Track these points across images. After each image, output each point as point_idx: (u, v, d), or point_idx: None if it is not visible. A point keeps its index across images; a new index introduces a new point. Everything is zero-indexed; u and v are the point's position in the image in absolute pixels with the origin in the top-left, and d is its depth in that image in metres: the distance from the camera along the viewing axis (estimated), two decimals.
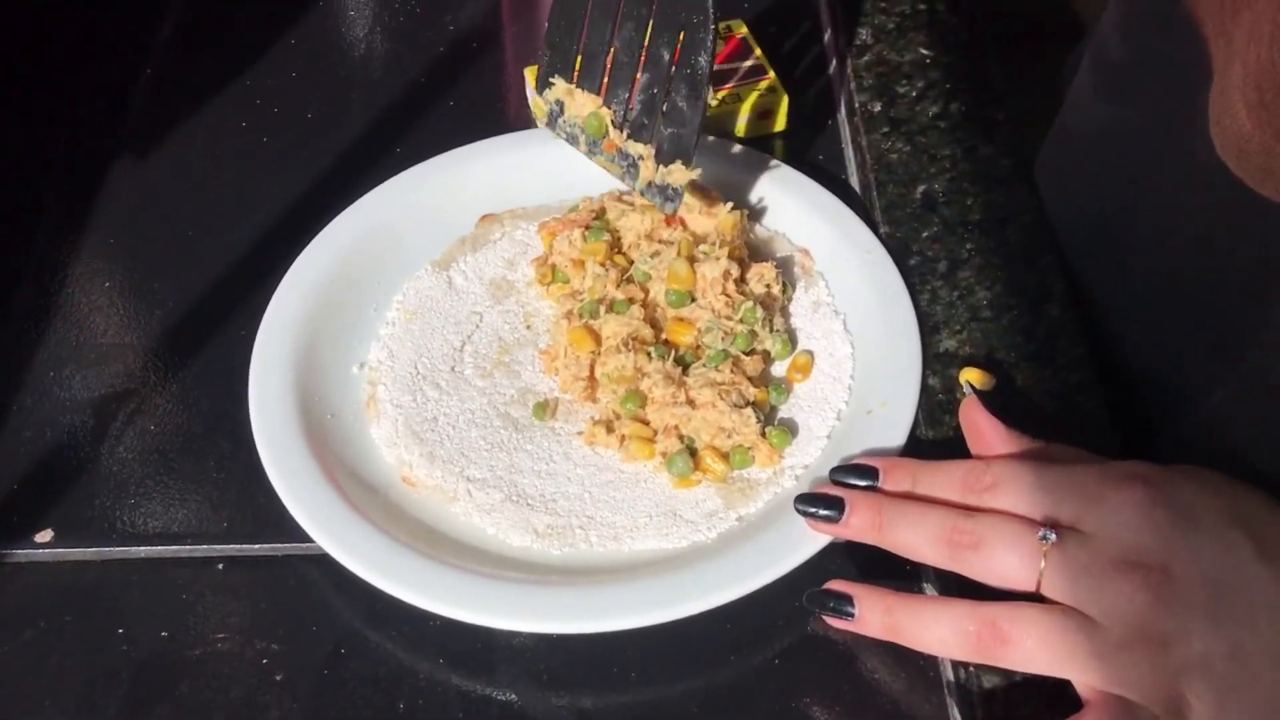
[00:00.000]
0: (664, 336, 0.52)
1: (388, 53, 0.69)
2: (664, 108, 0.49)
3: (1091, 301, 0.56)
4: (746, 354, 0.51)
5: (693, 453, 0.49)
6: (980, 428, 0.46)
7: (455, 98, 0.66)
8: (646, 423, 0.50)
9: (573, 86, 0.51)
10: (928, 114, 0.60)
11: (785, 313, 0.54)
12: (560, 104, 0.52)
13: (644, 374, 0.50)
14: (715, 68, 0.63)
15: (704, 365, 0.51)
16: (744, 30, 0.65)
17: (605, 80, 0.50)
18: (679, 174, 0.50)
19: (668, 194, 0.50)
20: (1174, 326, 0.53)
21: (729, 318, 0.51)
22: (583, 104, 0.51)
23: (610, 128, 0.51)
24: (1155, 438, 0.54)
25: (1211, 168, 0.44)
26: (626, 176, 0.51)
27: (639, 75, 0.49)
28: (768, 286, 0.52)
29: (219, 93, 0.67)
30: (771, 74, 0.63)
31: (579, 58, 0.51)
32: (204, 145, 0.65)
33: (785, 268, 0.54)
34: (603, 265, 0.53)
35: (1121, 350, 0.56)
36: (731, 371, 0.50)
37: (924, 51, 0.63)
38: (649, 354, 0.51)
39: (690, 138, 0.49)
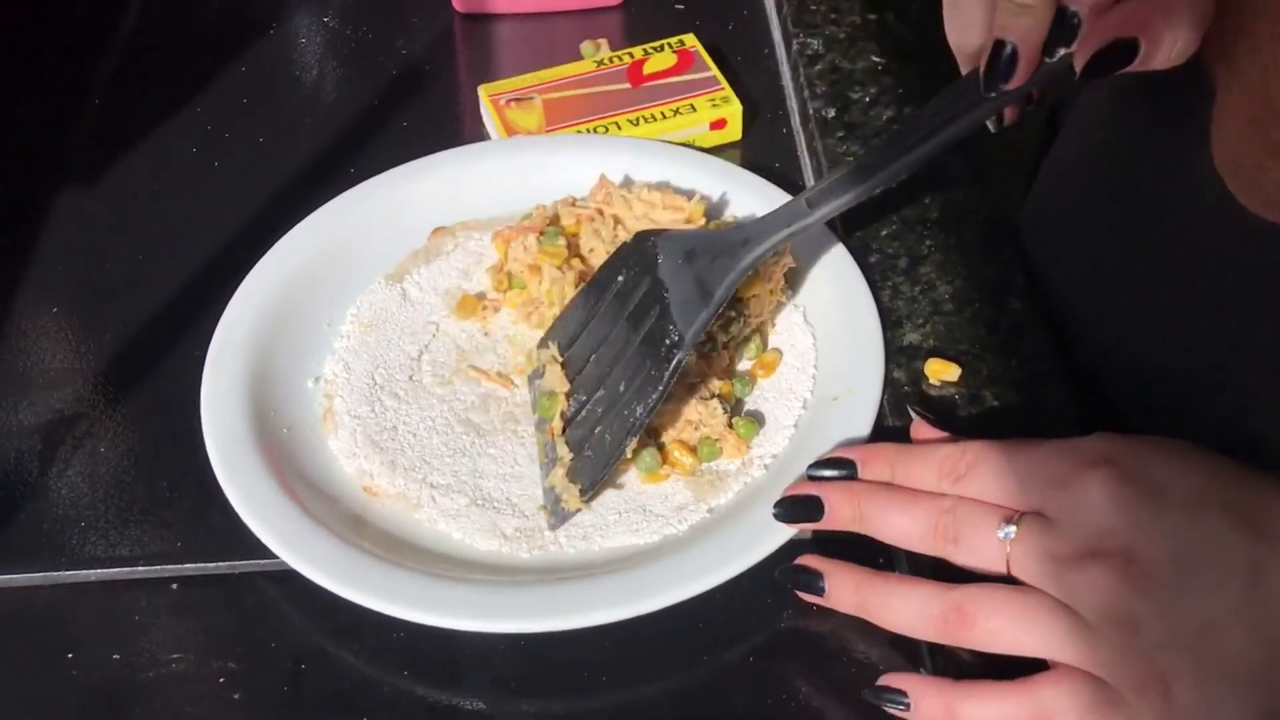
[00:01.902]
0: None
1: (340, 77, 0.69)
2: (596, 430, 0.48)
3: (1065, 308, 0.56)
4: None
5: (660, 447, 0.48)
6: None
7: (409, 118, 0.66)
8: None
9: (558, 359, 0.51)
10: (881, 118, 0.61)
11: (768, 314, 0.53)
12: (544, 369, 0.51)
13: None
14: (669, 81, 0.64)
15: None
16: (695, 43, 0.66)
17: (579, 375, 0.50)
18: (572, 498, 0.47)
19: (558, 509, 0.48)
20: (1167, 339, 0.53)
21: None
22: (554, 380, 0.50)
23: (558, 416, 0.49)
24: (1123, 426, 0.53)
25: (1210, 185, 0.45)
26: (545, 466, 0.49)
27: (599, 389, 0.49)
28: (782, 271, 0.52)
29: (168, 119, 0.66)
30: (724, 84, 0.63)
31: (575, 340, 0.51)
32: (153, 170, 0.64)
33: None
34: (559, 269, 0.52)
35: (1102, 357, 0.56)
36: (698, 363, 0.49)
37: (875, 59, 0.64)
38: None
39: (597, 473, 0.47)
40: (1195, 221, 0.48)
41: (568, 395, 0.50)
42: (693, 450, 0.48)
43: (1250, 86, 0.43)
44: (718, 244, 0.48)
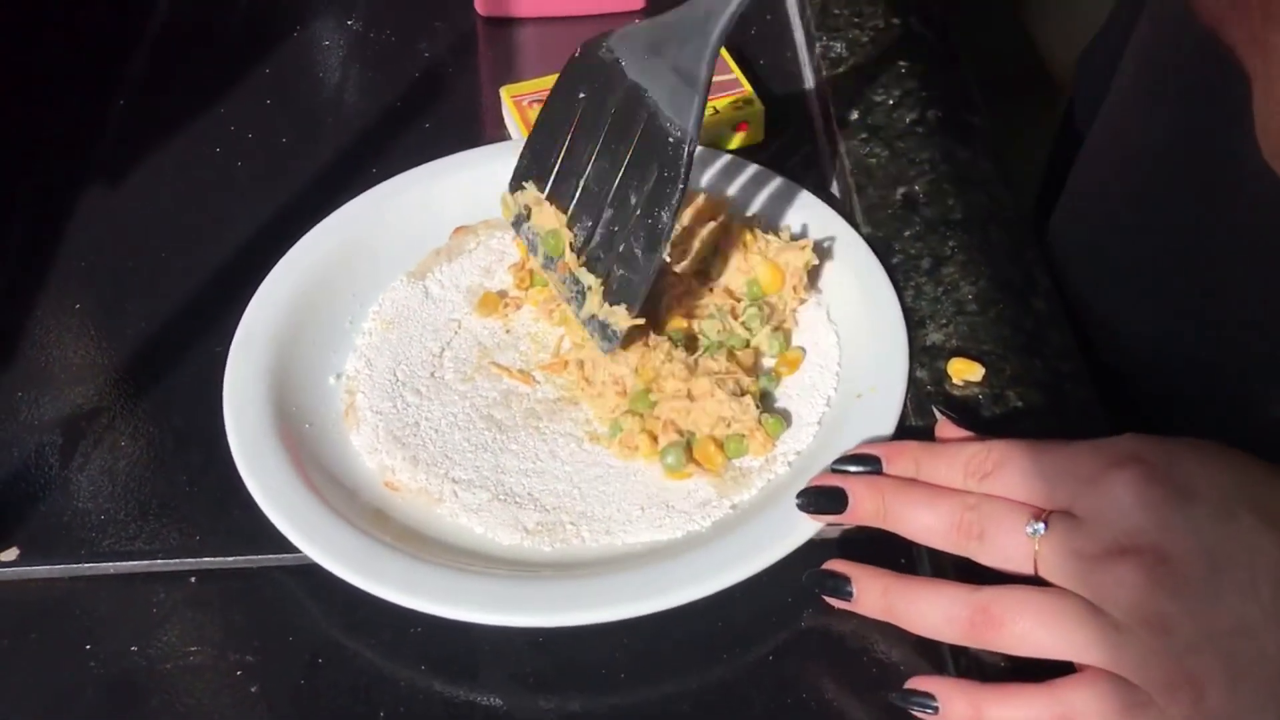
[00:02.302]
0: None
1: (363, 79, 0.69)
2: (620, 248, 0.48)
3: (1096, 312, 0.55)
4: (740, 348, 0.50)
5: (688, 445, 0.48)
6: None
7: (431, 119, 0.66)
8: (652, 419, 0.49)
9: (542, 197, 0.50)
10: (905, 120, 0.61)
11: (790, 311, 0.53)
12: (528, 210, 0.50)
13: (671, 357, 0.49)
14: None
15: (700, 355, 0.50)
16: None
17: (573, 203, 0.49)
18: (622, 318, 0.48)
19: (607, 333, 0.48)
20: (1218, 338, 0.52)
21: (735, 315, 0.51)
22: (547, 218, 0.49)
23: (568, 250, 0.49)
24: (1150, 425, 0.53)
25: (1259, 176, 0.44)
26: (574, 300, 0.49)
27: (605, 210, 0.48)
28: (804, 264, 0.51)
29: (192, 121, 0.66)
30: (747, 87, 0.63)
31: (554, 172, 0.50)
32: (177, 171, 0.64)
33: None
34: None
35: (1136, 359, 0.55)
36: (728, 360, 0.49)
37: (899, 62, 0.63)
38: (674, 341, 0.50)
39: (640, 286, 0.47)
40: (1243, 214, 0.48)
41: (569, 226, 0.49)
42: (721, 447, 0.48)
43: None
44: (680, 27, 0.46)
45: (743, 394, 0.49)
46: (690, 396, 0.48)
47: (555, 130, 0.50)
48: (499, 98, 0.65)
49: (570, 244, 0.49)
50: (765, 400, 0.50)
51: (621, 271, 0.47)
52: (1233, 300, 0.50)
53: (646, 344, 0.49)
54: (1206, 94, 0.48)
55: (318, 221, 0.57)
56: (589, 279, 0.48)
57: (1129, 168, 0.55)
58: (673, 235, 0.47)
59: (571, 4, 0.71)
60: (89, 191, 0.63)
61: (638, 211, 0.47)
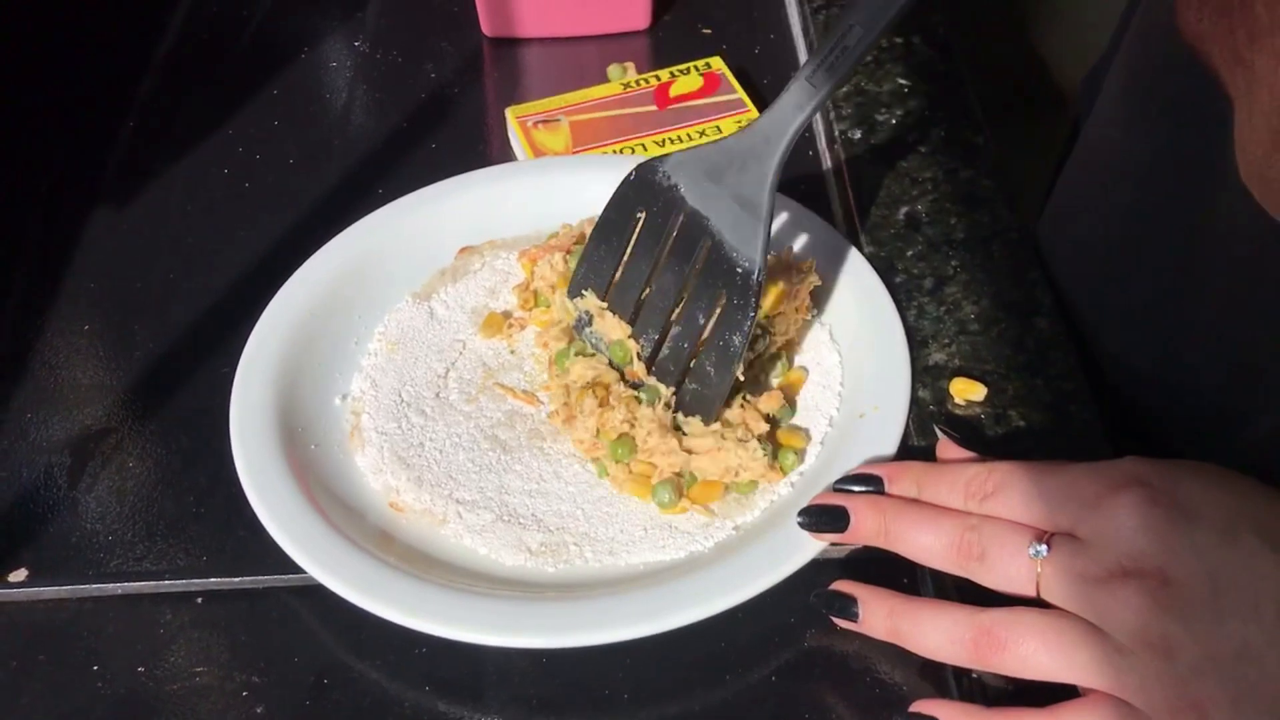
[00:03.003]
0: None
1: (370, 100, 0.69)
2: (690, 364, 0.49)
3: (1088, 326, 0.55)
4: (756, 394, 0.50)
5: (689, 485, 0.48)
6: None
7: (437, 140, 0.66)
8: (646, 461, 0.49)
9: (603, 306, 0.50)
10: (907, 140, 0.61)
11: (795, 331, 0.53)
12: (589, 315, 0.51)
13: (634, 422, 0.49)
14: (696, 103, 0.64)
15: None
16: (722, 67, 0.66)
17: (635, 315, 0.50)
18: (696, 427, 0.48)
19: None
20: (1203, 355, 0.52)
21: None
22: (611, 327, 0.50)
23: (635, 359, 0.50)
24: (1152, 445, 0.53)
25: (1238, 197, 0.44)
26: (645, 403, 0.50)
27: (671, 324, 0.49)
28: (807, 284, 0.52)
29: (200, 142, 0.67)
30: (751, 106, 0.63)
31: (613, 282, 0.50)
32: (185, 191, 0.64)
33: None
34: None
35: (1128, 375, 0.55)
36: (741, 407, 0.49)
37: (902, 82, 0.64)
38: (638, 399, 0.49)
39: (714, 401, 0.48)
40: (1224, 235, 0.48)
41: (632, 337, 0.50)
42: (724, 488, 0.48)
43: (1274, 94, 0.42)
44: (738, 153, 0.47)
45: (750, 439, 0.48)
46: (689, 451, 0.48)
47: (611, 245, 0.50)
48: (504, 118, 0.65)
49: (637, 354, 0.50)
50: (775, 425, 0.50)
51: (694, 386, 0.49)
52: (1216, 316, 0.50)
53: (606, 404, 0.49)
54: (1190, 111, 0.48)
55: (324, 242, 0.57)
56: (659, 389, 0.49)
57: (1113, 182, 0.55)
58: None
59: (577, 24, 0.72)
60: (98, 213, 0.63)
61: (706, 333, 0.48)
